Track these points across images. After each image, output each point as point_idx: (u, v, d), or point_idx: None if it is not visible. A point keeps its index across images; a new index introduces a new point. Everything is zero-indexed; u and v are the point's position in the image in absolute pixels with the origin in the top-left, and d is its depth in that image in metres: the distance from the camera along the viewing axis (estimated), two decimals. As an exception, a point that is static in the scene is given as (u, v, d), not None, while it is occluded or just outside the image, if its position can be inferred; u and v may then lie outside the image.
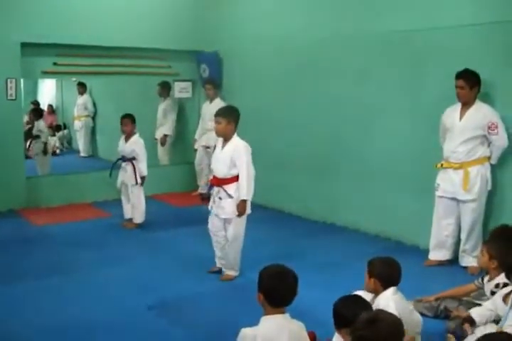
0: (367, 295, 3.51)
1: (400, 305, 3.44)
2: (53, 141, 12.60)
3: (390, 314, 2.58)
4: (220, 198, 5.20)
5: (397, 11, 6.37)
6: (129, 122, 6.99)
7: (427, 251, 5.88)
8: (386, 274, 3.49)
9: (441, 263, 5.74)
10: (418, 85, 6.22)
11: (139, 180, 6.99)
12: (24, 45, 7.70)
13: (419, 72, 6.20)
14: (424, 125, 6.10)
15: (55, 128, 13.47)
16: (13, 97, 7.79)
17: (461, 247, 5.64)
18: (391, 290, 3.48)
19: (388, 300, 3.42)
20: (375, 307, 3.36)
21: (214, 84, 8.81)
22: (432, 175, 5.72)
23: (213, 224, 5.36)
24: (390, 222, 6.64)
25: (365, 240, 6.65)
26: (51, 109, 14.13)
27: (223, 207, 5.18)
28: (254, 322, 2.95)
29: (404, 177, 6.42)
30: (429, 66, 6.10)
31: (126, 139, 7.04)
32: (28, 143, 9.41)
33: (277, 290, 2.92)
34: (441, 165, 5.61)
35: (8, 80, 7.68)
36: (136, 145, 6.99)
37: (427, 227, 5.81)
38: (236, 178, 5.15)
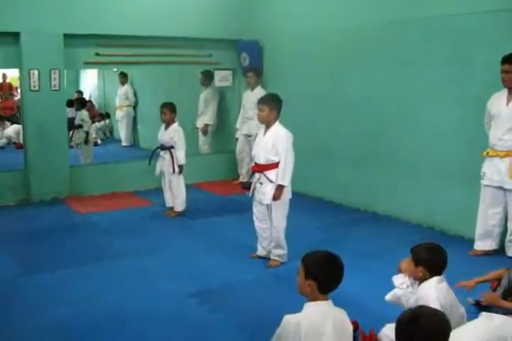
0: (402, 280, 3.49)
1: (444, 295, 3.34)
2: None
3: (433, 310, 2.51)
4: (260, 183, 5.26)
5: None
6: (168, 110, 7.00)
7: (471, 241, 5.77)
8: (432, 261, 3.40)
9: (486, 253, 5.62)
10: (463, 71, 6.07)
11: (176, 169, 7.01)
12: (67, 36, 7.79)
13: (464, 57, 6.04)
14: (470, 112, 5.95)
15: (99, 118, 13.66)
16: (57, 88, 7.88)
17: (508, 237, 5.51)
18: (435, 279, 3.39)
19: (430, 290, 3.33)
20: (417, 296, 3.29)
21: (255, 72, 8.77)
22: (478, 163, 5.57)
23: (258, 210, 5.42)
24: (433, 211, 6.53)
25: (408, 229, 6.56)
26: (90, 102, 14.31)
27: (264, 193, 5.24)
28: (297, 309, 2.92)
29: (450, 165, 6.29)
30: (473, 51, 5.94)
31: (166, 127, 7.07)
32: (70, 133, 9.55)
33: (328, 276, 2.89)
34: (487, 153, 5.46)
35: (52, 71, 7.78)
36: (175, 133, 7.00)
37: (472, 216, 5.68)
38: (276, 165, 5.19)
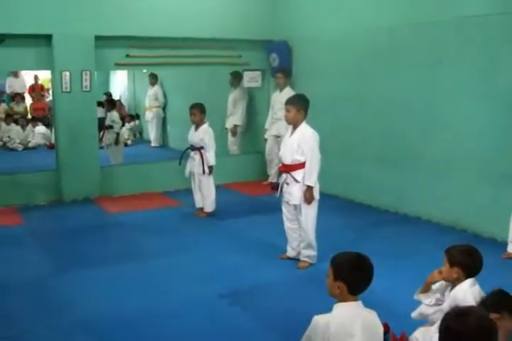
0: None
1: (478, 298, 3.30)
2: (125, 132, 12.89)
3: (482, 310, 2.48)
4: (287, 184, 5.27)
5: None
6: (197, 111, 7.02)
7: (504, 244, 5.67)
8: (467, 263, 3.35)
9: (521, 256, 5.53)
10: (491, 71, 6.00)
11: (206, 170, 7.03)
12: (97, 38, 7.87)
13: (492, 57, 5.97)
14: (502, 111, 5.87)
15: (129, 119, 13.77)
16: (88, 89, 7.97)
17: (542, 240, 5.41)
18: (468, 281, 3.34)
19: (466, 293, 3.29)
20: (452, 299, 3.25)
21: (285, 73, 8.75)
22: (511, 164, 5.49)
23: (287, 211, 5.43)
24: (465, 213, 6.43)
25: (439, 231, 6.48)
26: (119, 102, 14.45)
27: (291, 193, 5.24)
28: (326, 310, 2.90)
29: (482, 165, 6.20)
30: (501, 50, 5.87)
31: (196, 128, 7.09)
32: (101, 134, 9.65)
33: (358, 278, 2.87)
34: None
35: (83, 72, 7.87)
36: (205, 134, 7.02)
37: (505, 218, 5.58)
38: (303, 165, 5.19)
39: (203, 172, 7.03)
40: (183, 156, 7.34)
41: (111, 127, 9.96)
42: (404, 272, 5.02)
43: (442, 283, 3.51)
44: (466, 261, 3.35)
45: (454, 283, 3.41)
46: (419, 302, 3.60)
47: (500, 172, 5.87)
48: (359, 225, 6.75)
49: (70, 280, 5.07)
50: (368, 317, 2.91)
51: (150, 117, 12.92)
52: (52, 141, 10.53)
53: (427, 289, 3.56)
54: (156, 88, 12.69)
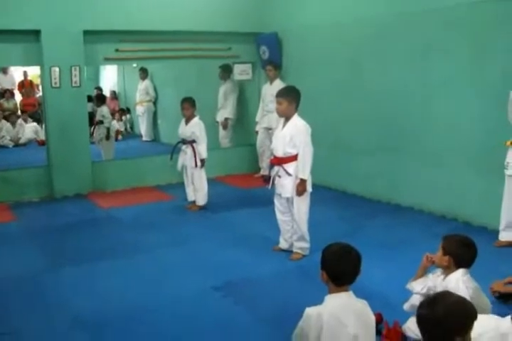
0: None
1: (470, 287, 3.33)
2: (118, 126, 12.84)
3: (456, 296, 2.50)
4: (279, 176, 5.27)
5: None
6: (189, 106, 7.01)
7: (495, 232, 5.70)
8: (462, 255, 3.38)
9: (511, 244, 5.55)
10: (484, 59, 5.99)
11: (198, 163, 7.03)
12: (86, 33, 7.82)
13: (485, 45, 5.96)
14: (493, 100, 5.85)
15: (120, 113, 13.71)
16: (78, 84, 7.94)
17: (533, 227, 5.44)
18: (461, 271, 3.37)
19: (458, 282, 3.32)
20: (444, 288, 3.27)
21: (274, 65, 8.72)
22: (502, 152, 5.48)
23: (279, 203, 5.43)
24: (456, 202, 6.46)
25: (431, 220, 6.51)
26: (114, 95, 14.40)
27: (283, 186, 5.25)
28: (319, 302, 2.92)
29: (472, 155, 6.22)
30: (494, 38, 5.85)
31: (187, 122, 7.08)
32: (91, 129, 9.62)
33: (340, 268, 2.89)
34: (511, 142, 5.38)
35: (73, 68, 7.83)
36: (196, 127, 7.01)
37: (496, 207, 5.60)
38: (295, 157, 5.18)
39: (195, 165, 7.03)
40: (174, 150, 7.34)
41: (101, 122, 9.92)
42: (397, 262, 5.04)
43: (437, 273, 3.53)
44: (460, 252, 3.38)
45: (445, 271, 3.44)
46: (411, 293, 3.62)
47: (491, 161, 5.89)
48: (352, 216, 6.77)
49: (64, 276, 5.06)
50: (360, 307, 2.92)
51: (141, 112, 12.89)
52: (43, 137, 10.47)
53: (420, 274, 3.59)
54: (147, 82, 12.65)
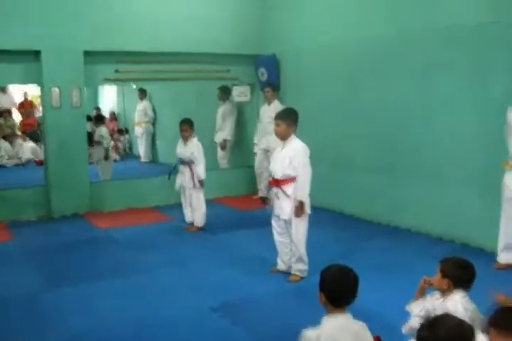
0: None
1: (468, 309, 3.32)
2: (121, 145, 12.86)
3: (456, 319, 2.50)
4: (278, 198, 5.27)
5: (462, 4, 6.18)
6: (187, 127, 7.04)
7: (493, 254, 5.69)
8: (460, 277, 3.37)
9: (511, 266, 5.53)
10: (483, 79, 6.03)
11: (196, 183, 7.03)
12: (86, 53, 7.90)
13: (485, 65, 6.01)
14: (492, 121, 5.85)
15: (119, 134, 13.72)
16: (77, 104, 7.99)
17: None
18: (460, 293, 3.37)
19: (457, 305, 3.30)
20: (443, 310, 3.25)
21: (273, 87, 8.80)
22: (500, 174, 5.50)
23: (277, 225, 5.43)
24: (454, 224, 6.46)
25: (429, 242, 6.51)
26: (113, 116, 14.43)
27: (282, 207, 5.26)
28: (317, 323, 2.90)
29: (471, 174, 6.23)
30: (494, 59, 5.92)
31: (185, 143, 7.10)
32: (90, 149, 9.62)
33: (337, 289, 2.88)
34: (508, 164, 5.38)
35: (72, 88, 7.89)
36: (194, 148, 7.03)
37: (494, 229, 5.59)
38: (294, 179, 5.19)
39: (194, 185, 7.03)
40: (172, 171, 7.35)
41: (100, 142, 9.94)
42: (395, 285, 5.01)
43: (436, 295, 3.52)
44: (458, 274, 3.37)
45: (444, 293, 3.43)
46: (410, 315, 3.60)
47: (488, 181, 5.91)
48: (350, 238, 6.75)
49: (61, 296, 5.03)
50: (358, 329, 2.91)
51: (139, 132, 12.90)
52: (41, 156, 10.48)
53: (419, 296, 3.57)
54: (145, 103, 12.70)
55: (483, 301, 3.76)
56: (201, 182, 7.07)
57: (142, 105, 12.71)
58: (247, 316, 4.58)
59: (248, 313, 4.63)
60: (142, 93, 12.58)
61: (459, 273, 3.38)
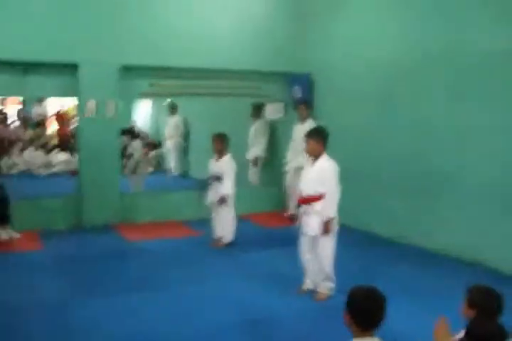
0: None
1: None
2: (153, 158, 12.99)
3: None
4: (306, 215, 5.29)
5: (496, 28, 6.17)
6: (219, 141, 7.07)
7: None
8: (486, 305, 3.29)
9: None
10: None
11: (224, 200, 7.05)
12: (123, 68, 8.05)
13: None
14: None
15: (151, 147, 13.83)
16: (113, 117, 8.12)
17: None
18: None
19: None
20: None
21: (307, 105, 8.81)
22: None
23: (305, 242, 5.43)
24: (487, 248, 6.35)
25: (459, 267, 6.39)
26: (145, 132, 14.48)
27: (309, 224, 5.27)
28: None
29: (503, 199, 6.15)
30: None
31: (218, 158, 7.14)
32: (124, 162, 9.75)
33: (366, 311, 2.83)
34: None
35: (108, 101, 8.02)
36: (226, 164, 7.06)
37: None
38: (322, 196, 5.21)
39: (221, 201, 7.05)
40: (203, 186, 7.37)
41: (132, 155, 10.05)
42: (422, 309, 4.93)
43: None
44: (485, 303, 3.29)
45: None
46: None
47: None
48: (378, 260, 6.69)
49: (88, 307, 5.08)
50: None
51: (170, 146, 13.01)
52: (74, 167, 10.63)
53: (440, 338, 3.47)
54: (177, 117, 12.80)
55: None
56: (223, 199, 7.05)
57: (173, 119, 12.81)
58: (273, 334, 4.55)
59: (274, 332, 4.61)
60: (173, 108, 12.70)
61: (484, 301, 3.29)
